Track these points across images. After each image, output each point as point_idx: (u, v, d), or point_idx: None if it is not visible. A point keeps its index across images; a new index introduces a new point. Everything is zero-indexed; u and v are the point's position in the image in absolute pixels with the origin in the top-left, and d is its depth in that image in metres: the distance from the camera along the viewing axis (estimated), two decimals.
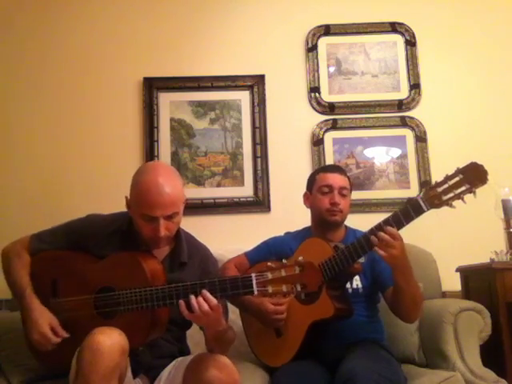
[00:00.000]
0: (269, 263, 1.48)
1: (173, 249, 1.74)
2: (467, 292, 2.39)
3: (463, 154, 2.74)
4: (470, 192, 1.61)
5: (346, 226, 2.10)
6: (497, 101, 2.90)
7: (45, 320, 1.61)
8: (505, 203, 2.37)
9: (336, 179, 2.02)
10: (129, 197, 1.66)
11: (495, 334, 2.05)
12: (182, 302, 1.47)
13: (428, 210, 1.68)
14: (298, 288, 1.42)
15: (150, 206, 1.57)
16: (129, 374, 1.51)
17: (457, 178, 1.63)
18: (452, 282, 2.47)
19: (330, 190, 2.00)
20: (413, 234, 2.55)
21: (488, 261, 2.24)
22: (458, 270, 2.44)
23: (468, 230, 2.69)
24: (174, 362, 1.65)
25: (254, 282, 1.44)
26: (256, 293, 1.44)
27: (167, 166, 1.78)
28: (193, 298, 1.47)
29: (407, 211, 1.70)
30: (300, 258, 1.44)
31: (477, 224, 2.67)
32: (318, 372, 1.79)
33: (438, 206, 1.66)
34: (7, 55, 2.87)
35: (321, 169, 2.17)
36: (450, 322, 2.01)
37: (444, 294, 2.45)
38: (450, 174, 1.66)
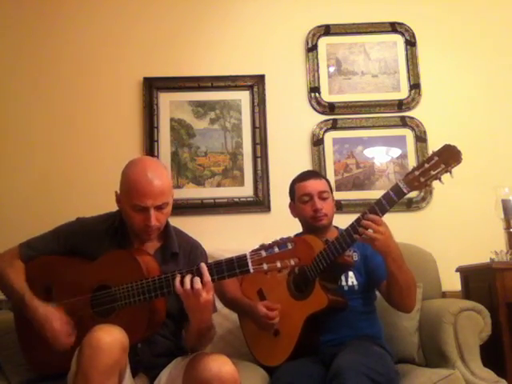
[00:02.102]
0: (262, 243, 1.52)
1: (163, 242, 1.77)
2: (467, 292, 2.39)
3: (463, 154, 2.78)
4: (446, 171, 1.72)
5: (337, 228, 2.13)
6: (497, 100, 2.90)
7: (54, 316, 1.60)
8: (505, 203, 2.37)
9: (313, 185, 2.07)
10: (118, 192, 1.70)
11: (495, 334, 2.05)
12: (178, 277, 1.50)
13: (408, 192, 1.76)
14: (292, 262, 1.46)
15: (141, 196, 1.60)
16: (128, 372, 1.51)
17: (433, 161, 1.73)
18: (452, 282, 2.47)
19: (310, 198, 2.05)
20: (413, 234, 2.58)
21: (488, 261, 2.24)
22: (457, 270, 2.44)
23: (468, 230, 2.69)
24: (173, 362, 1.65)
25: (249, 260, 1.47)
26: (252, 271, 1.47)
27: (154, 159, 1.88)
28: (189, 275, 1.50)
29: (389, 196, 1.79)
30: (291, 236, 1.48)
31: (477, 224, 2.67)
32: (317, 370, 1.79)
33: (418, 187, 1.76)
34: (6, 55, 2.87)
35: (297, 178, 2.18)
36: (450, 322, 2.01)
37: (444, 294, 2.45)
38: (426, 157, 1.78)
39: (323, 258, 1.86)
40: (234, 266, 1.50)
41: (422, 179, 1.74)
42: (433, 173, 1.72)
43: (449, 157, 1.72)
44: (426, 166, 1.74)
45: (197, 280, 1.48)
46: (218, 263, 1.53)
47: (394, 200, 1.77)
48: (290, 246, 1.47)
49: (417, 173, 1.75)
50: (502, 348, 2.07)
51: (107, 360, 1.34)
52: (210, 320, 1.61)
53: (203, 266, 1.51)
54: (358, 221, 1.81)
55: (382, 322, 2.07)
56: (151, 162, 1.74)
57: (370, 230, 1.75)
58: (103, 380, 1.34)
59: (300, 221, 2.14)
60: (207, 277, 1.49)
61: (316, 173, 2.24)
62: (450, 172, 1.72)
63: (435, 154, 1.74)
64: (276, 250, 1.47)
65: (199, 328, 1.60)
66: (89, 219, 1.82)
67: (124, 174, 1.68)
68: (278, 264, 1.46)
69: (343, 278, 2.00)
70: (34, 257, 1.75)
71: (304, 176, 2.16)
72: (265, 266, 1.47)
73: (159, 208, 1.63)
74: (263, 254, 1.48)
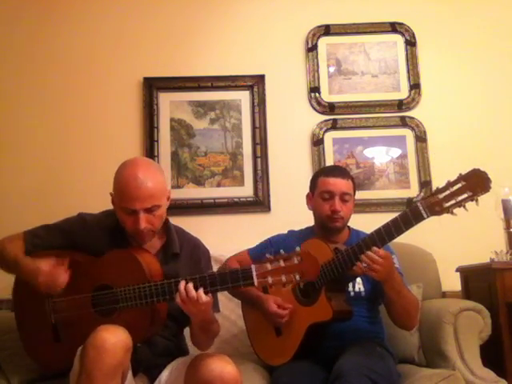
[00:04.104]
0: (267, 255, 1.51)
1: (164, 242, 1.76)
2: (467, 292, 2.39)
3: (463, 154, 2.80)
4: (472, 200, 1.59)
5: (349, 228, 2.09)
6: (497, 100, 2.90)
7: (44, 262, 1.64)
8: (505, 203, 2.37)
9: (338, 185, 1.97)
10: (113, 193, 1.69)
11: (495, 334, 2.04)
12: (182, 283, 1.51)
13: (428, 217, 1.66)
14: (297, 277, 1.45)
15: (129, 198, 1.59)
16: (130, 372, 1.51)
17: (459, 185, 1.60)
18: (452, 281, 2.47)
19: (331, 197, 1.96)
20: (413, 234, 2.55)
21: (488, 261, 2.24)
22: (457, 270, 2.44)
23: (468, 230, 2.68)
24: (173, 362, 1.65)
25: (254, 273, 1.47)
26: (256, 284, 1.47)
27: (148, 160, 1.83)
28: (182, 283, 1.50)
29: (407, 218, 1.69)
30: (297, 249, 1.47)
31: (477, 224, 2.66)
32: (317, 372, 1.79)
33: (439, 213, 1.64)
34: (5, 55, 2.87)
35: (323, 171, 2.10)
36: (450, 322, 2.01)
37: (444, 294, 2.45)
38: (451, 180, 1.63)
39: (331, 268, 1.80)
40: (238, 278, 1.49)
41: (445, 205, 1.61)
42: (457, 199, 1.59)
43: (476, 184, 1.58)
44: (451, 189, 1.60)
45: (191, 289, 1.49)
46: (222, 274, 1.53)
47: (412, 223, 1.67)
48: (296, 261, 1.46)
49: (440, 196, 1.62)
50: (502, 348, 2.07)
51: (112, 361, 1.34)
52: (210, 316, 1.61)
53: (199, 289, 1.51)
54: (371, 238, 1.74)
55: (383, 322, 2.06)
56: (143, 163, 1.70)
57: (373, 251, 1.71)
58: (107, 381, 1.34)
59: (314, 215, 2.07)
60: (202, 297, 1.49)
61: (344, 171, 2.07)
62: (476, 201, 1.58)
63: (462, 177, 1.60)
64: (282, 263, 1.46)
65: (201, 324, 1.61)
66: (90, 215, 1.81)
67: (116, 176, 1.66)
68: (283, 278, 1.45)
69: (350, 283, 1.96)
70: (39, 245, 1.74)
71: (331, 171, 2.04)
72: (269, 280, 1.46)
73: (149, 211, 1.61)
74: (268, 267, 1.46)
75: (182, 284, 1.50)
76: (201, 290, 1.49)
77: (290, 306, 1.88)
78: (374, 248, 1.72)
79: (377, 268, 1.71)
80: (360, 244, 1.76)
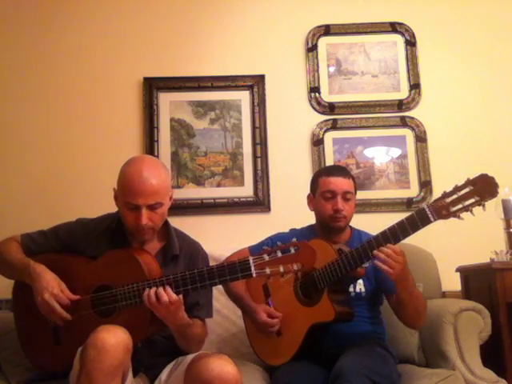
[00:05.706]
0: (265, 247, 1.53)
1: (164, 244, 1.76)
2: (467, 292, 2.39)
3: (463, 154, 2.80)
4: (479, 205, 1.59)
5: (350, 227, 2.08)
6: (497, 100, 2.90)
7: (57, 283, 1.62)
8: (505, 203, 2.37)
9: (339, 184, 1.97)
10: (116, 188, 1.70)
11: (495, 334, 2.04)
12: (153, 289, 1.52)
13: (435, 220, 1.66)
14: (295, 267, 1.46)
15: (133, 193, 1.60)
16: (130, 372, 1.51)
17: (466, 189, 1.61)
18: (452, 282, 2.47)
19: (333, 196, 1.96)
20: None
21: (488, 261, 2.24)
22: (457, 269, 2.44)
23: (468, 230, 2.67)
24: (174, 362, 1.65)
25: (252, 264, 1.48)
26: (254, 275, 1.48)
27: (154, 159, 1.85)
28: (153, 289, 1.51)
29: (414, 221, 1.68)
30: (294, 240, 1.47)
31: (477, 224, 2.64)
32: (317, 372, 1.79)
33: (446, 217, 1.64)
34: (4, 56, 2.87)
35: (323, 171, 2.09)
36: (450, 322, 2.01)
37: (444, 294, 2.45)
38: (459, 184, 1.64)
39: (335, 269, 1.79)
40: (236, 270, 1.51)
41: (452, 209, 1.61)
42: (464, 203, 1.60)
43: (484, 189, 1.59)
44: (458, 194, 1.61)
45: (162, 293, 1.50)
46: (220, 267, 1.54)
47: (419, 226, 1.67)
48: (292, 251, 1.47)
49: (447, 200, 1.62)
50: (502, 348, 2.07)
51: (112, 361, 1.34)
52: (184, 318, 1.59)
53: (167, 288, 1.52)
54: (377, 240, 1.73)
55: (384, 322, 2.06)
56: (149, 160, 1.74)
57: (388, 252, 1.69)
58: (107, 381, 1.34)
59: (316, 215, 2.07)
60: (172, 296, 1.50)
61: (345, 170, 2.08)
62: (484, 206, 1.59)
63: (469, 182, 1.61)
64: (279, 254, 1.47)
65: (176, 326, 1.60)
66: (88, 220, 1.83)
67: (121, 171, 1.68)
68: (281, 268, 1.46)
69: (351, 284, 1.95)
70: (33, 250, 1.76)
71: (332, 171, 2.04)
72: (267, 271, 1.47)
73: (152, 208, 1.63)
74: (266, 258, 1.48)
75: (153, 290, 1.51)
76: (169, 289, 1.51)
77: (280, 314, 1.88)
78: (391, 246, 1.70)
79: (393, 264, 1.68)
80: (365, 245, 1.75)
